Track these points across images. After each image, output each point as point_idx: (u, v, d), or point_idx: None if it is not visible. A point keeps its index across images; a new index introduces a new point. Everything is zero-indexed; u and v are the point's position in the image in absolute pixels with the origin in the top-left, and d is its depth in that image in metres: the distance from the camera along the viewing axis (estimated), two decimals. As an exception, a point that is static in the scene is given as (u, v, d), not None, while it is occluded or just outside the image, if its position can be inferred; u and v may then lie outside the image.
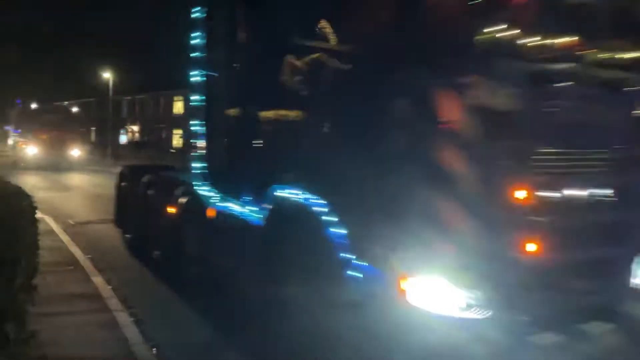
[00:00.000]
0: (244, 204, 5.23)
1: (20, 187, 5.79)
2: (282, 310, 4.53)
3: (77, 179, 23.44)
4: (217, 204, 5.82)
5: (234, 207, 5.45)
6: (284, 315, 4.50)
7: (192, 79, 5.94)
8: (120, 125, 53.54)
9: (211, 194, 5.87)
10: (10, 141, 33.75)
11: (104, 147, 42.18)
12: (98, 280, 6.89)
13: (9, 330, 2.35)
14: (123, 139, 54.05)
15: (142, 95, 53.75)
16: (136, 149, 42.34)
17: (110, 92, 45.75)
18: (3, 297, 2.57)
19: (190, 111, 6.17)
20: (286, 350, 4.41)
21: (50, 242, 8.45)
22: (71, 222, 11.50)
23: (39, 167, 25.93)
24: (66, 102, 46.11)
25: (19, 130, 30.36)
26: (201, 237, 6.32)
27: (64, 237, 9.46)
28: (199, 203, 6.07)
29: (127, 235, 9.01)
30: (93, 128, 51.76)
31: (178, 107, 49.23)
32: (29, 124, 29.19)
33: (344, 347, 3.82)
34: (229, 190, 5.52)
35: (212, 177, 5.89)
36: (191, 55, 5.91)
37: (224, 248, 5.78)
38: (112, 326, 5.37)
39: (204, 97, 5.89)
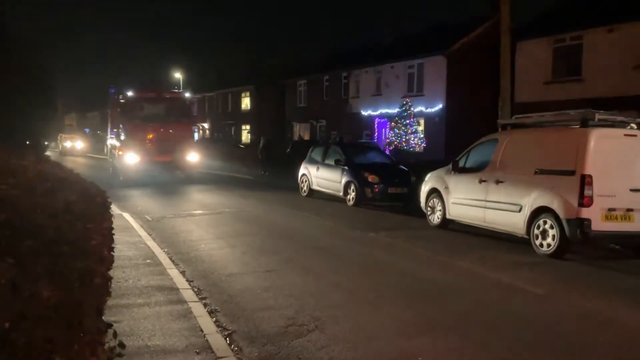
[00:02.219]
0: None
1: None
2: None
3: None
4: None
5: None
6: None
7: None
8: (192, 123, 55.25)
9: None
10: (107, 145, 26.49)
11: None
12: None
13: (83, 321, 2.41)
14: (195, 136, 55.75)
15: (211, 93, 55.14)
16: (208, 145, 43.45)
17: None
18: (80, 289, 2.64)
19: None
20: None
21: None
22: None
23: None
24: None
25: (115, 131, 22.70)
26: None
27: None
28: None
29: None
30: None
31: (245, 103, 50.26)
32: (127, 120, 20.24)
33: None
34: None
35: None
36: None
37: None
38: (187, 316, 5.52)
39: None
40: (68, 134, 50.22)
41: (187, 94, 22.59)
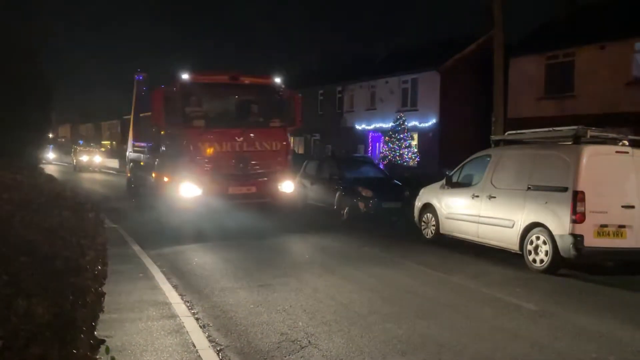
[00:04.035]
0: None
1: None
2: None
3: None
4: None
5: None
6: None
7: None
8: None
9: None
10: (128, 161, 17.79)
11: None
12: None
13: (77, 338, 2.41)
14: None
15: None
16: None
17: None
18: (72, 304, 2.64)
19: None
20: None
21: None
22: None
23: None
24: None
25: (146, 142, 14.96)
26: None
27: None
28: None
29: None
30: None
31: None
32: (177, 123, 11.72)
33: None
34: None
35: None
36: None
37: None
38: (179, 332, 5.49)
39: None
40: (84, 147, 45.87)
41: (278, 80, 12.52)
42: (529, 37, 25.79)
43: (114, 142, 67.78)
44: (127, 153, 18.11)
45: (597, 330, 6.02)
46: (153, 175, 13.69)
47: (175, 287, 7.38)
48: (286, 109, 12.70)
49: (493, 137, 11.91)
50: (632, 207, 8.74)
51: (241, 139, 11.73)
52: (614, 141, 9.33)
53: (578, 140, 8.97)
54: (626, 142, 9.29)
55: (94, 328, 3.02)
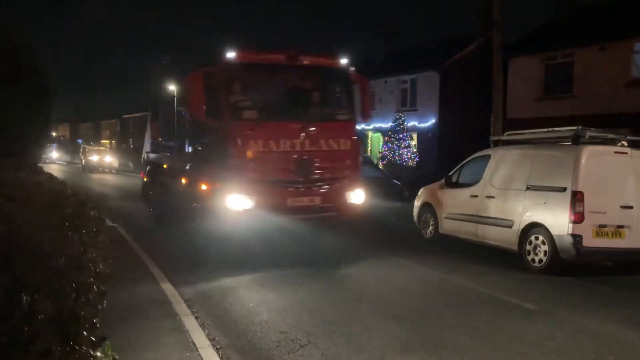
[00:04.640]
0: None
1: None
2: None
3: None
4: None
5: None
6: None
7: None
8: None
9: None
10: (145, 163, 14.73)
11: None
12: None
13: (79, 334, 2.42)
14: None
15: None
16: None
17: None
18: (74, 302, 2.65)
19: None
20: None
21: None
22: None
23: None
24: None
25: (173, 142, 12.05)
26: None
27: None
28: None
29: None
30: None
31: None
32: (221, 113, 9.13)
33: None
34: None
35: None
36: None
37: None
38: (179, 330, 5.50)
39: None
40: (94, 146, 44.81)
41: (345, 60, 9.98)
42: (528, 37, 25.80)
43: (113, 142, 67.77)
44: (144, 154, 15.03)
45: (596, 330, 6.05)
46: (183, 181, 10.77)
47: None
48: (354, 97, 10.07)
49: (492, 137, 11.94)
50: (631, 207, 8.77)
51: (303, 135, 9.16)
52: (613, 142, 9.36)
53: (577, 140, 8.99)
54: (625, 143, 9.31)
55: (95, 325, 3.03)
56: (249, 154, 8.93)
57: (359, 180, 9.96)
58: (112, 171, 39.06)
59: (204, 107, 8.99)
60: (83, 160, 41.05)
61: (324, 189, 9.51)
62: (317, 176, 9.43)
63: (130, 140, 62.46)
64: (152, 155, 14.01)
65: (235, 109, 9.10)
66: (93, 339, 2.86)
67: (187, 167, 10.66)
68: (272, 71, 9.78)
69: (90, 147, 43.22)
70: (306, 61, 9.75)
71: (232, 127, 9.05)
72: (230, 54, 9.16)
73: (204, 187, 9.67)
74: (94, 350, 2.85)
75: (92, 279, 3.17)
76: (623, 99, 20.26)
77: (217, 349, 5.09)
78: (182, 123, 11.29)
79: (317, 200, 9.41)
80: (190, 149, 10.78)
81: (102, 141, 68.21)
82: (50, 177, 5.77)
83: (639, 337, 5.93)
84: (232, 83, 9.25)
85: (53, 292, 2.43)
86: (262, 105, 9.36)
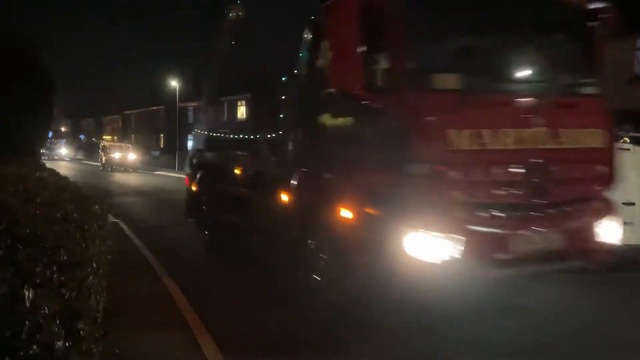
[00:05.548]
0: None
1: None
2: None
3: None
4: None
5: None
6: None
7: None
8: (188, 131, 55.09)
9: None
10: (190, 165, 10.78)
11: (173, 153, 43.10)
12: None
13: (81, 329, 2.44)
14: (190, 144, 55.35)
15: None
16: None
17: (177, 100, 47.40)
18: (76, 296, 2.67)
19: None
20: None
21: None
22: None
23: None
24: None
25: (260, 135, 7.97)
26: None
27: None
28: None
29: None
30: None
31: (241, 111, 50.21)
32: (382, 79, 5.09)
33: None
34: None
35: None
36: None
37: None
38: (181, 327, 5.51)
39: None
40: (116, 143, 42.69)
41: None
42: None
43: (115, 137, 67.91)
44: (191, 153, 11.39)
45: (598, 327, 6.04)
46: (281, 196, 6.56)
47: None
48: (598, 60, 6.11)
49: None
50: (633, 204, 8.75)
51: (537, 121, 5.08)
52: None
53: (579, 137, 8.96)
54: (627, 139, 9.30)
55: (97, 320, 3.05)
56: (451, 155, 4.76)
57: (610, 202, 6.01)
58: (137, 170, 37.19)
59: (363, 60, 5.21)
60: (103, 158, 38.89)
61: (569, 219, 5.46)
62: (559, 197, 5.33)
63: (132, 136, 62.56)
64: (208, 155, 10.32)
65: (421, 70, 4.84)
66: (95, 334, 2.89)
67: (296, 176, 6.31)
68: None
69: (113, 144, 40.91)
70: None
71: (416, 102, 4.78)
72: None
73: (345, 213, 5.33)
74: (96, 345, 2.87)
75: (94, 275, 3.19)
76: (625, 96, 20.22)
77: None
78: (291, 103, 7.29)
79: (558, 240, 5.37)
80: (302, 146, 6.42)
81: (104, 137, 68.29)
82: (53, 172, 5.80)
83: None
84: (416, 23, 4.87)
85: (55, 286, 2.45)
86: (469, 65, 5.15)
